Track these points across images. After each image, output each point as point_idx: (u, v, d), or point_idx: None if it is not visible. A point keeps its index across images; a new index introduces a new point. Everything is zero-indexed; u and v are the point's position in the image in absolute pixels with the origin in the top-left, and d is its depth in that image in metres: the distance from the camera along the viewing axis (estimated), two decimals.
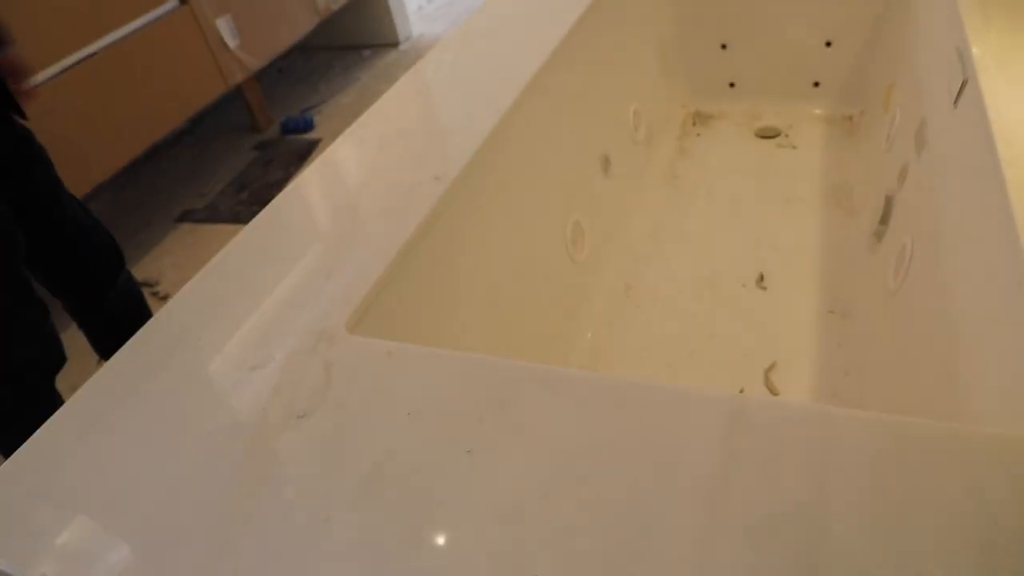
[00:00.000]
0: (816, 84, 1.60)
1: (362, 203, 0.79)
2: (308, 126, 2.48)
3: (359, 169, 0.87)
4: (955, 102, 0.83)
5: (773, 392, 0.95)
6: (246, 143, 2.51)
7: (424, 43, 3.05)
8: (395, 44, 3.05)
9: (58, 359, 1.12)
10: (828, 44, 1.55)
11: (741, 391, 0.97)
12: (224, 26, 2.15)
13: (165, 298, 1.81)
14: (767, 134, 1.57)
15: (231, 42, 2.18)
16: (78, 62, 1.75)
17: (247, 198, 2.17)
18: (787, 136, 1.54)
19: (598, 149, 1.25)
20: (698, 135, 1.60)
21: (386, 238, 0.70)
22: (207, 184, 2.32)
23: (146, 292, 1.85)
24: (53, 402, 1.07)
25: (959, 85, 0.85)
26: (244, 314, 0.65)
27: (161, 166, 2.44)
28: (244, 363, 0.59)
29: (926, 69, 1.10)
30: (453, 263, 0.78)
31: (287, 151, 2.38)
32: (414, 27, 3.18)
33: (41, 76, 1.66)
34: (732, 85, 1.67)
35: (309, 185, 0.87)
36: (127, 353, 0.63)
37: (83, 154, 1.76)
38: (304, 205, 0.83)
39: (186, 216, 2.16)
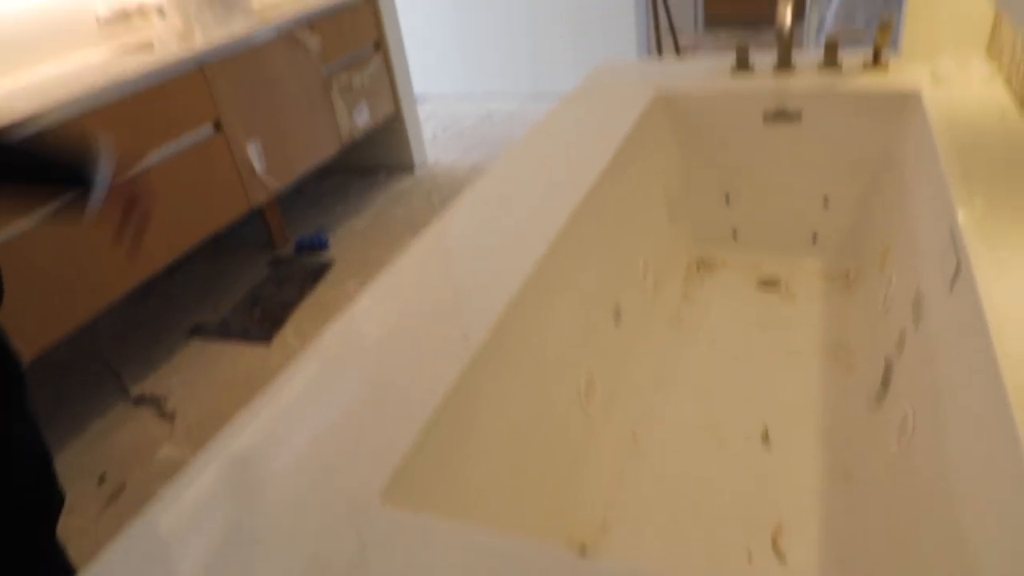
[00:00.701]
0: (815, 238, 1.68)
1: (391, 360, 0.82)
2: (323, 245, 2.57)
3: (386, 323, 0.92)
4: (951, 287, 0.89)
5: (780, 558, 0.96)
6: (261, 259, 2.59)
7: (438, 169, 3.19)
8: (410, 169, 3.19)
9: None
10: (826, 201, 1.65)
11: (749, 555, 0.98)
12: (253, 151, 2.27)
13: (171, 416, 1.82)
14: (768, 283, 1.63)
15: (258, 166, 2.29)
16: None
17: (259, 316, 2.21)
18: (787, 287, 1.61)
19: (611, 299, 1.31)
20: (702, 282, 1.67)
21: (418, 402, 0.73)
22: (220, 298, 2.37)
23: (152, 410, 1.87)
24: None
25: (953, 267, 0.91)
26: (271, 477, 0.67)
27: (175, 277, 2.50)
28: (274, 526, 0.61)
29: (919, 237, 1.17)
30: (474, 424, 0.81)
31: (301, 270, 2.45)
32: (428, 154, 3.34)
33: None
34: (735, 235, 1.75)
35: (338, 339, 0.91)
36: (142, 528, 0.64)
37: (109, 265, 1.83)
38: (333, 361, 0.87)
39: (198, 330, 2.20)
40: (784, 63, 1.63)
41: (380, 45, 2.90)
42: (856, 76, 1.54)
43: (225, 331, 2.18)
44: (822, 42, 2.95)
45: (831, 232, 1.66)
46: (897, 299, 1.20)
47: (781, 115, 1.60)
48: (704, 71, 1.74)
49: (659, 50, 4.06)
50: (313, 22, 2.50)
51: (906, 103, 1.45)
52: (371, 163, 3.24)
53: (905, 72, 1.51)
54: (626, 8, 3.70)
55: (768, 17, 4.98)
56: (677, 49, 4.37)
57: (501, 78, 4.10)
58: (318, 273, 2.42)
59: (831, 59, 1.60)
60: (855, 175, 1.59)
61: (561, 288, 1.09)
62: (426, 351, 0.83)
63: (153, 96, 1.93)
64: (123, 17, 2.45)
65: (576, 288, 1.15)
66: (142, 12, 2.50)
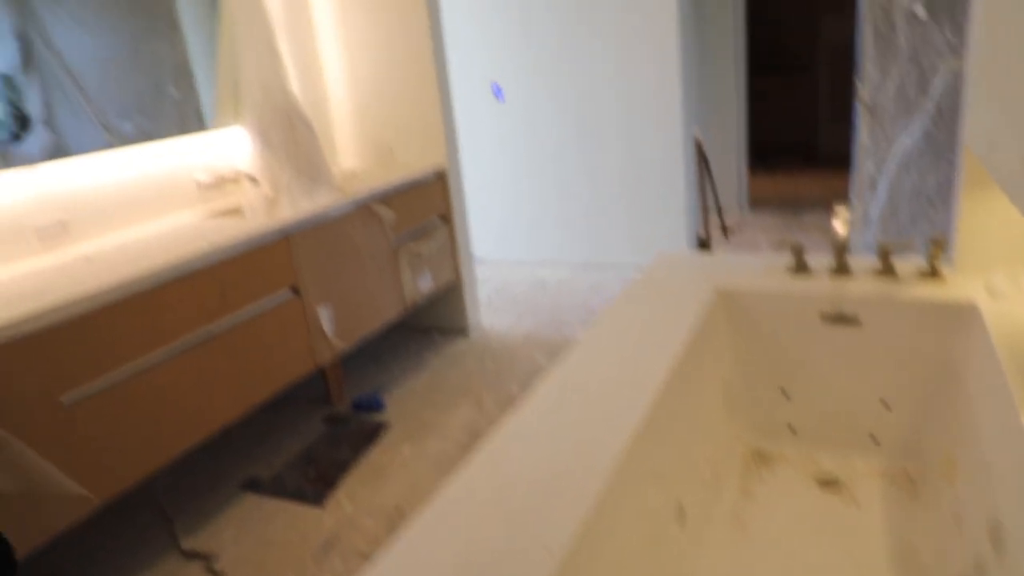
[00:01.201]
0: (874, 439, 1.68)
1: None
2: (378, 406, 2.63)
3: (461, 532, 0.94)
4: None
5: None
6: (317, 414, 2.65)
7: (491, 334, 3.29)
8: (464, 332, 3.30)
9: None
10: (884, 403, 1.67)
11: None
12: (324, 314, 2.40)
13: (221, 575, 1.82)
14: (828, 483, 1.62)
15: (327, 328, 2.41)
16: (199, 341, 1.95)
17: (313, 475, 2.24)
18: (849, 489, 1.59)
19: (674, 499, 1.32)
20: (761, 477, 1.66)
21: None
22: (275, 452, 2.42)
23: (202, 566, 1.87)
24: None
25: None
26: None
27: (231, 428, 2.57)
28: None
29: (988, 455, 1.18)
30: None
31: (356, 430, 2.50)
32: (483, 317, 3.45)
33: (163, 352, 1.86)
34: (792, 430, 1.76)
35: (409, 552, 0.93)
36: None
37: (181, 418, 1.90)
38: None
39: (252, 484, 2.23)
40: (841, 269, 1.71)
41: (446, 217, 3.10)
42: (913, 285, 1.61)
43: (279, 488, 2.20)
44: (870, 241, 3.07)
45: (891, 434, 1.67)
46: (970, 519, 1.19)
47: (839, 318, 1.66)
48: (762, 269, 1.82)
49: (706, 228, 4.24)
50: (388, 196, 2.71)
51: (964, 315, 1.51)
52: (427, 324, 3.37)
53: (960, 283, 1.58)
54: (676, 188, 3.92)
55: (808, 198, 5.21)
56: (724, 228, 4.57)
57: (554, 247, 4.30)
58: (373, 434, 2.46)
59: (886, 266, 1.68)
60: (915, 381, 1.62)
61: (632, 493, 1.11)
62: (508, 564, 0.85)
63: (244, 260, 2.09)
64: (219, 183, 2.69)
65: (644, 492, 1.17)
66: (236, 179, 2.74)
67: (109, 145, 2.29)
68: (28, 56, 2.09)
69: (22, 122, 2.09)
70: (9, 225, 2.06)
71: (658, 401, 1.25)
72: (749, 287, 1.76)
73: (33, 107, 2.11)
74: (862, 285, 1.66)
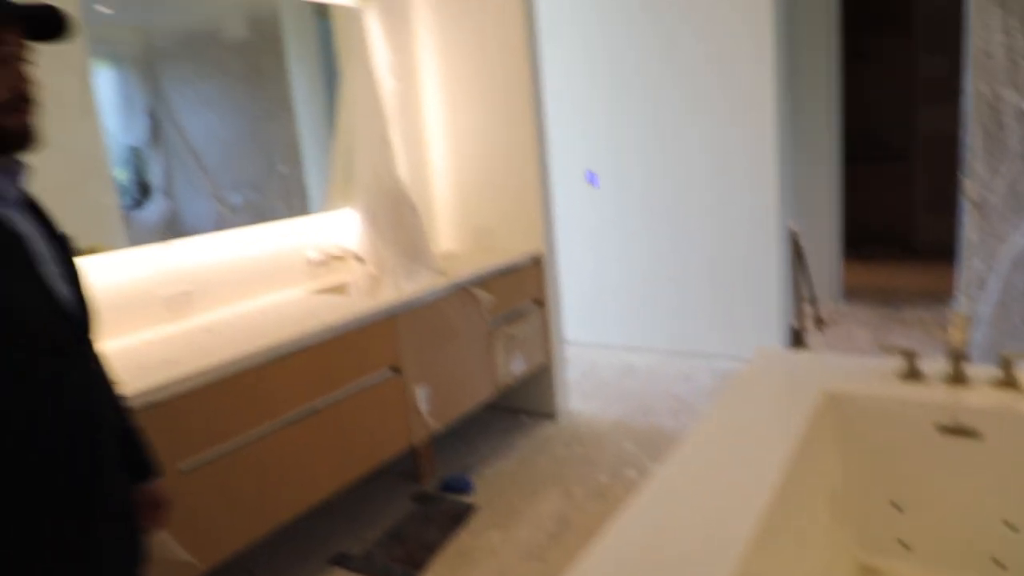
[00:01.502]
0: (998, 563, 1.58)
1: None
2: (467, 488, 2.64)
3: None
4: None
5: None
6: (406, 491, 2.69)
7: (580, 419, 3.28)
8: (552, 415, 3.30)
9: None
10: (1009, 524, 1.57)
11: None
12: (421, 394, 2.46)
13: None
14: None
15: (423, 408, 2.47)
16: (305, 415, 2.04)
17: (402, 555, 2.26)
18: None
19: None
20: None
21: None
22: (365, 528, 2.45)
23: None
24: None
25: None
26: None
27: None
28: None
29: None
30: None
31: (445, 511, 2.52)
32: (571, 402, 3.45)
33: (272, 424, 1.95)
34: (905, 546, 1.68)
35: None
36: None
37: (284, 490, 1.97)
38: None
39: (341, 560, 2.27)
40: (958, 378, 1.65)
41: (540, 301, 3.16)
42: None
43: (368, 566, 2.22)
44: (979, 340, 2.94)
45: (1018, 559, 1.56)
46: None
47: (957, 430, 1.60)
48: (870, 372, 1.78)
49: (799, 319, 4.15)
50: (487, 280, 2.79)
51: None
52: (515, 405, 3.39)
53: None
54: (769, 278, 3.87)
55: (906, 291, 5.03)
56: (818, 320, 4.46)
57: (642, 332, 4.29)
58: (461, 516, 2.47)
59: (1009, 377, 1.61)
60: None
61: None
62: None
63: (351, 338, 2.19)
64: (328, 260, 2.84)
65: None
66: (343, 257, 2.89)
67: (219, 215, 2.47)
68: (155, 131, 2.30)
69: (144, 190, 2.29)
70: (143, 294, 2.24)
71: (766, 511, 1.23)
72: (858, 391, 1.71)
73: (155, 177, 2.31)
74: (982, 395, 1.59)
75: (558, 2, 4.05)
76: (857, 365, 1.86)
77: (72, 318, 0.98)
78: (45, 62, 1.94)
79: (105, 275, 2.15)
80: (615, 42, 4.04)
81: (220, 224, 2.46)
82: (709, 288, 4.05)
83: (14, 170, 0.93)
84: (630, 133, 4.10)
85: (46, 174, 1.95)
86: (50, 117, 2.00)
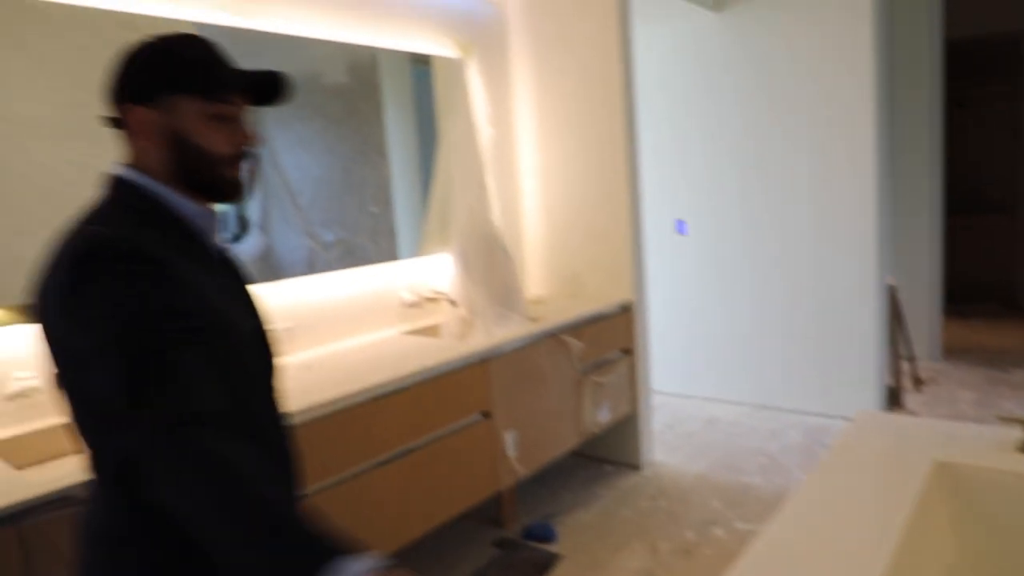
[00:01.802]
0: None
1: None
2: (550, 536, 2.62)
3: None
4: None
5: None
6: (487, 536, 2.69)
7: (664, 471, 3.22)
8: (636, 466, 3.26)
9: None
10: None
11: None
12: (509, 439, 2.48)
13: None
14: None
15: (511, 453, 2.48)
16: (400, 455, 2.08)
17: None
18: None
19: None
20: None
21: None
22: (448, 572, 2.46)
23: None
24: None
25: None
26: None
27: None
28: None
29: None
30: None
31: (527, 559, 2.51)
32: (656, 453, 3.40)
33: (363, 465, 1.99)
34: None
35: None
36: None
37: (377, 529, 2.01)
38: None
39: None
40: None
41: (629, 350, 3.14)
42: None
43: None
44: None
45: None
46: None
47: None
48: (985, 442, 1.69)
49: (897, 378, 3.98)
50: (578, 327, 2.80)
51: None
52: (599, 454, 3.36)
53: None
54: (865, 334, 3.73)
55: (1013, 352, 4.75)
56: (916, 379, 4.26)
57: (730, 384, 4.19)
58: (544, 566, 2.45)
59: None
60: None
61: None
62: None
63: (446, 381, 2.23)
64: (421, 302, 2.92)
65: None
66: (436, 300, 2.96)
67: (311, 251, 2.57)
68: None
69: (243, 225, 2.42)
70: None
71: None
72: (973, 463, 1.63)
73: (253, 213, 2.43)
74: None
75: (655, 51, 4.10)
76: (969, 433, 1.77)
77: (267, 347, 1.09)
78: None
79: None
80: (712, 91, 4.05)
81: (311, 260, 2.56)
82: (801, 342, 3.94)
83: (212, 215, 1.04)
84: (724, 182, 4.07)
85: None
86: None
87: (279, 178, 2.48)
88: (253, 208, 2.42)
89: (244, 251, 2.40)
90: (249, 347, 1.04)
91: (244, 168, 1.02)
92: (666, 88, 4.17)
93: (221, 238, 1.07)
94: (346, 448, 1.94)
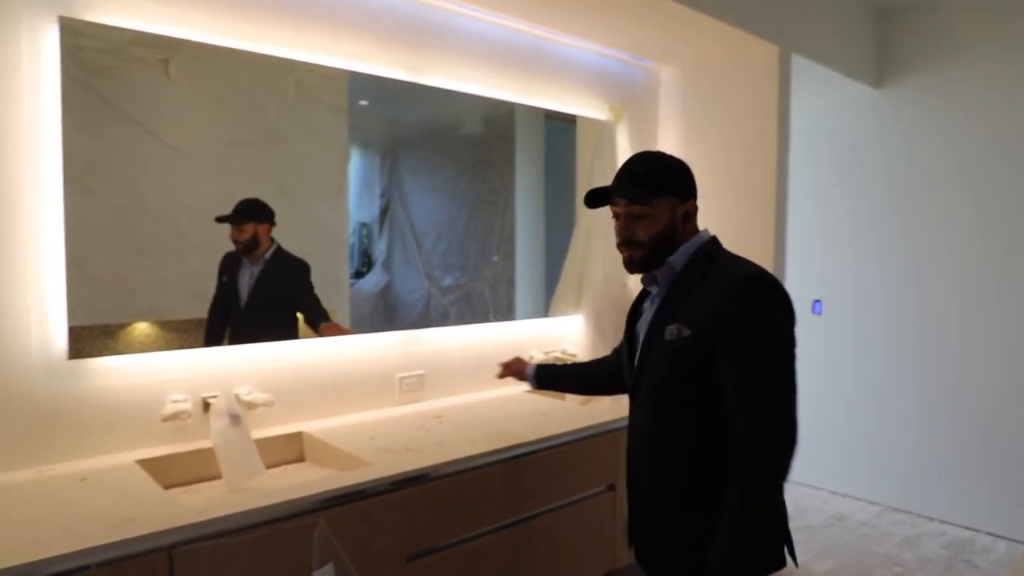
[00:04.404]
0: None
1: None
2: None
3: None
4: None
5: None
6: None
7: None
8: None
9: None
10: None
11: None
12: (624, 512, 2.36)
13: None
14: None
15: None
16: (521, 520, 2.02)
17: None
18: None
19: None
20: None
21: None
22: None
23: None
24: None
25: None
26: None
27: None
28: None
29: None
30: None
31: None
32: None
33: (489, 527, 1.94)
34: None
35: None
36: None
37: None
38: None
39: None
40: None
41: None
42: None
43: None
44: None
45: None
46: None
47: None
48: None
49: None
50: None
51: None
52: None
53: None
54: (1020, 442, 3.39)
55: None
56: None
57: (860, 480, 3.90)
58: None
59: None
60: None
61: None
62: None
63: (579, 447, 2.16)
64: (550, 362, 2.87)
65: None
66: (563, 360, 2.91)
67: (428, 293, 2.59)
68: (385, 211, 2.48)
69: (367, 262, 2.45)
70: (383, 373, 2.38)
71: None
72: None
73: (378, 251, 2.47)
74: None
75: (805, 125, 3.97)
76: None
77: None
78: (313, 146, 2.20)
79: (347, 350, 2.33)
80: (862, 167, 3.87)
81: (427, 301, 2.59)
82: (947, 443, 3.61)
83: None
84: (867, 262, 3.86)
85: (302, 241, 2.18)
86: (313, 194, 2.23)
87: (406, 219, 2.53)
88: (378, 247, 2.48)
89: (366, 286, 2.44)
90: None
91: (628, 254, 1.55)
92: (813, 162, 4.02)
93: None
94: (469, 508, 1.90)
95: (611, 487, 2.30)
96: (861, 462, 3.89)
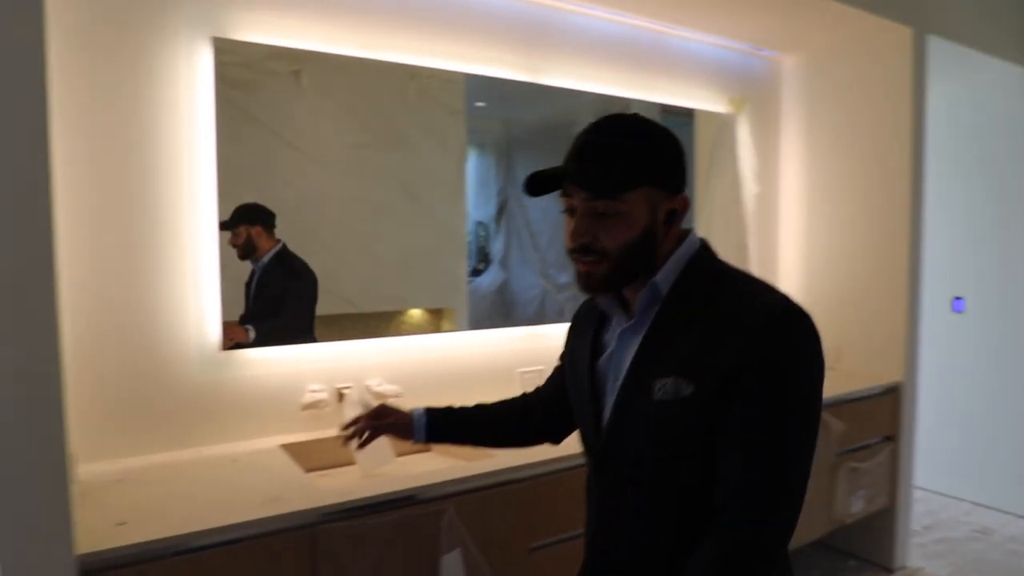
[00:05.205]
0: None
1: None
2: None
3: None
4: None
5: None
6: None
7: None
8: (888, 569, 2.89)
9: None
10: None
11: None
12: None
13: None
14: None
15: None
16: None
17: None
18: None
19: None
20: None
21: None
22: None
23: None
24: None
25: None
26: None
27: None
28: None
29: None
30: None
31: None
32: (912, 557, 3.00)
33: None
34: None
35: None
36: None
37: None
38: None
39: None
40: None
41: (892, 437, 2.82)
42: None
43: None
44: None
45: None
46: None
47: None
48: None
49: None
50: (838, 406, 2.56)
51: None
52: (846, 547, 3.03)
53: None
54: None
55: None
56: None
57: (1010, 492, 3.60)
58: None
59: None
60: None
61: None
62: None
63: None
64: None
65: None
66: None
67: (543, 290, 2.60)
68: (502, 210, 2.52)
69: (485, 260, 2.50)
70: (505, 368, 2.43)
71: None
72: None
73: (495, 250, 2.52)
74: None
75: (943, 109, 3.72)
76: None
77: None
78: (433, 148, 2.27)
79: (469, 345, 2.39)
80: (1012, 154, 3.59)
81: (543, 299, 2.61)
82: None
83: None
84: (1017, 256, 3.56)
85: (423, 240, 2.25)
86: (434, 193, 2.29)
87: (522, 218, 2.56)
88: (495, 246, 2.53)
89: (483, 284, 2.50)
90: None
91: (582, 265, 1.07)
92: (952, 150, 3.76)
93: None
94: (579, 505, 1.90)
95: None
96: (1009, 471, 3.59)
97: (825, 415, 2.51)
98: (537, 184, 1.08)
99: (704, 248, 1.08)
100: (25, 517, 1.13)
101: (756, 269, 2.99)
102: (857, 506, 2.70)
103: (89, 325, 1.74)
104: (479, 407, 1.43)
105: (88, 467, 1.68)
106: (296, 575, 1.42)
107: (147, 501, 1.49)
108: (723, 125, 2.94)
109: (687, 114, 2.95)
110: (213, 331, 1.90)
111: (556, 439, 1.41)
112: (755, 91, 3.14)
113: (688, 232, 1.08)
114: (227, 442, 1.93)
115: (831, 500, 2.58)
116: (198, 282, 1.88)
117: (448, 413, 1.40)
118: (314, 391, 2.02)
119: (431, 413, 1.38)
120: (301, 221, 2.03)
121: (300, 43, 2.00)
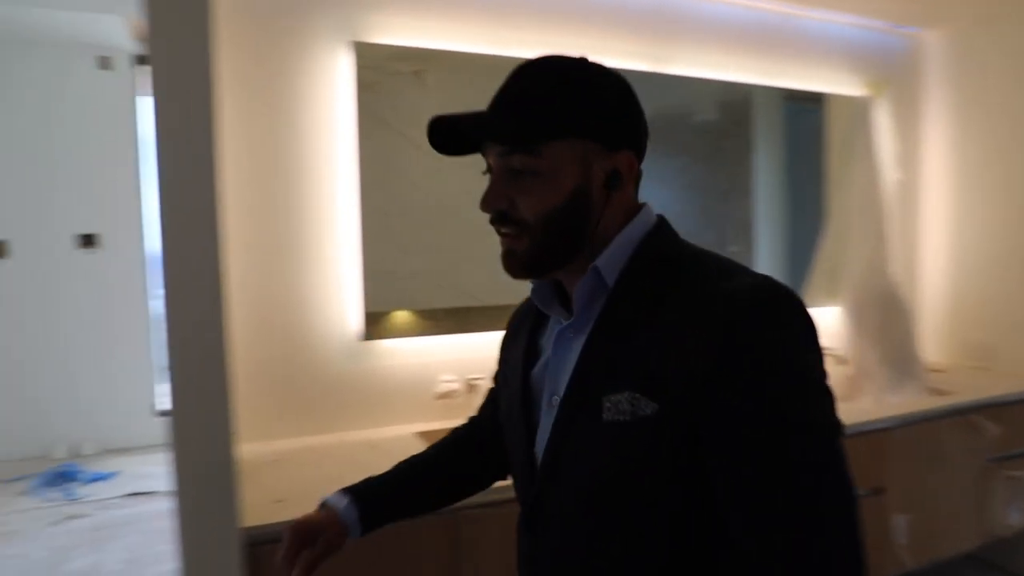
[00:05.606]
0: None
1: None
2: None
3: None
4: None
5: None
6: None
7: None
8: None
9: None
10: None
11: None
12: (901, 523, 2.18)
13: None
14: None
15: (901, 539, 2.18)
16: None
17: None
18: None
19: None
20: None
21: None
22: None
23: None
24: None
25: None
26: None
27: None
28: None
29: None
30: None
31: None
32: None
33: None
34: None
35: None
36: None
37: None
38: None
39: None
40: None
41: None
42: None
43: None
44: None
45: None
46: None
47: None
48: None
49: None
50: (993, 408, 2.38)
51: None
52: (1002, 563, 2.81)
53: None
54: None
55: None
56: None
57: None
58: None
59: None
60: None
61: None
62: None
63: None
64: None
65: None
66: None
67: None
68: None
69: None
70: None
71: None
72: None
73: None
74: None
75: None
76: None
77: None
78: None
79: None
80: None
81: None
82: None
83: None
84: None
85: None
86: None
87: None
88: None
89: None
90: None
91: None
92: None
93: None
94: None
95: (877, 491, 2.13)
96: None
97: (976, 417, 2.34)
98: (444, 135, 0.87)
99: (661, 226, 0.85)
100: (200, 493, 1.23)
101: (898, 260, 2.82)
102: (1015, 518, 2.49)
103: (248, 317, 1.86)
104: (411, 464, 1.08)
105: (247, 447, 1.80)
106: (439, 558, 1.47)
107: (301, 481, 1.58)
108: (858, 110, 2.79)
109: (814, 100, 2.82)
110: (354, 322, 1.99)
111: (501, 476, 1.11)
112: (893, 72, 2.96)
113: (642, 207, 0.86)
114: (367, 428, 2.02)
115: (985, 511, 2.40)
116: (340, 275, 1.97)
117: (378, 490, 1.03)
118: (446, 381, 2.07)
119: (359, 502, 1.00)
120: (426, 219, 2.08)
121: (427, 42, 2.06)
